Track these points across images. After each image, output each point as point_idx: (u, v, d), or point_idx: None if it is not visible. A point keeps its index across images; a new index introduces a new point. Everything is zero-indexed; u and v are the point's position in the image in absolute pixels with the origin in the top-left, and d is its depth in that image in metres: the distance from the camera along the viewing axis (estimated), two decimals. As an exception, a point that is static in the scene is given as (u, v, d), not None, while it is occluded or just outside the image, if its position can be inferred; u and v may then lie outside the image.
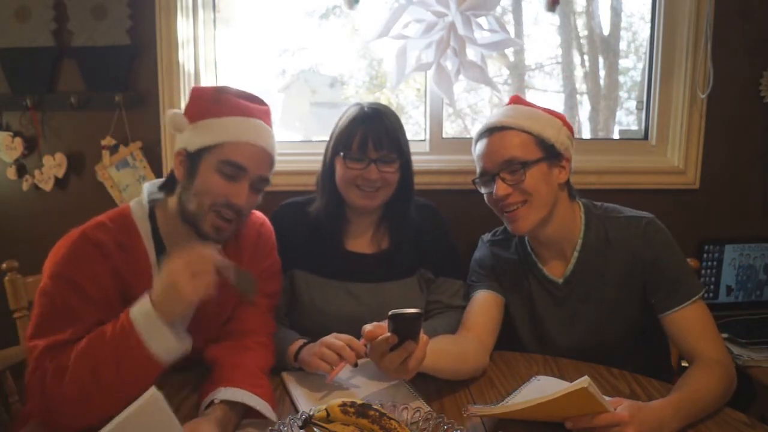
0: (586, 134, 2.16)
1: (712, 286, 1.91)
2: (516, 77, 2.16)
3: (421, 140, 1.99)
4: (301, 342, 1.22)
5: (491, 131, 1.28)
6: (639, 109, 2.06)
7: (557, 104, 2.16)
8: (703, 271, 1.90)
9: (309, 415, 0.86)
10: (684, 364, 1.25)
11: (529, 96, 2.14)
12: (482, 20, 1.77)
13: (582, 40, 2.17)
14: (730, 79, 1.87)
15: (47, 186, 1.89)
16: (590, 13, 2.16)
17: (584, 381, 0.86)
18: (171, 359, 0.97)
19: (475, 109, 2.19)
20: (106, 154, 1.85)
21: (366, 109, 1.33)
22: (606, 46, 2.15)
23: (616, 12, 2.13)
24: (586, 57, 2.18)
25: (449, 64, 1.78)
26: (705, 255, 1.90)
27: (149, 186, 1.20)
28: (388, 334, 0.93)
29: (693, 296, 1.19)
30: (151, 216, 1.15)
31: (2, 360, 1.37)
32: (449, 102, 1.88)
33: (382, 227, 1.43)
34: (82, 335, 0.99)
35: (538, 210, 1.25)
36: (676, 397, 1.00)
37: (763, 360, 1.63)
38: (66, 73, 1.87)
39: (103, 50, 1.82)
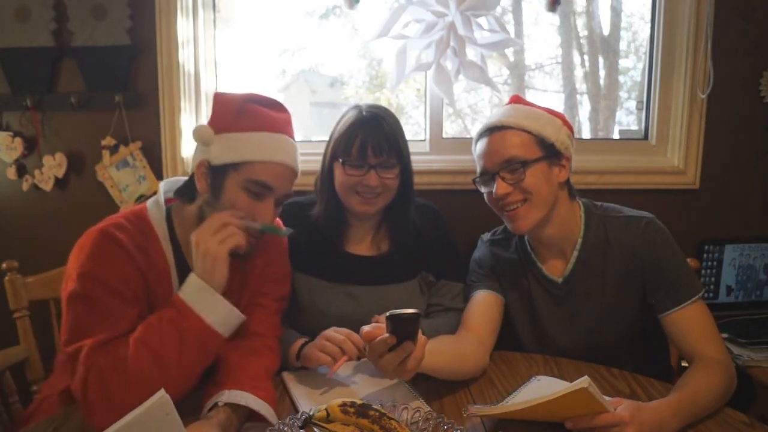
0: (586, 134, 2.16)
1: (712, 286, 1.91)
2: (516, 77, 2.16)
3: (421, 140, 1.99)
4: (302, 341, 1.22)
5: (491, 131, 1.28)
6: (639, 109, 2.06)
7: (557, 104, 2.16)
8: (703, 271, 1.90)
9: (309, 415, 0.86)
10: (684, 364, 1.25)
11: (529, 96, 2.14)
12: (482, 20, 1.77)
13: (582, 40, 2.17)
14: (730, 79, 1.87)
15: (47, 186, 1.89)
16: (590, 13, 2.16)
17: (584, 381, 0.86)
18: (229, 329, 1.03)
19: (475, 109, 2.19)
20: (106, 154, 1.85)
21: (365, 113, 1.31)
22: (606, 46, 2.15)
23: (616, 12, 2.13)
24: (586, 57, 2.18)
25: (449, 64, 1.78)
26: (705, 255, 1.90)
27: (165, 185, 1.19)
28: (387, 335, 0.93)
29: (693, 296, 1.19)
30: (168, 218, 1.15)
31: (2, 360, 1.37)
32: (449, 102, 1.88)
33: (382, 230, 1.42)
34: (124, 332, 1.00)
35: (538, 209, 1.25)
36: (676, 397, 1.00)
37: (763, 360, 1.62)
38: (66, 73, 1.87)
39: (103, 50, 1.82)
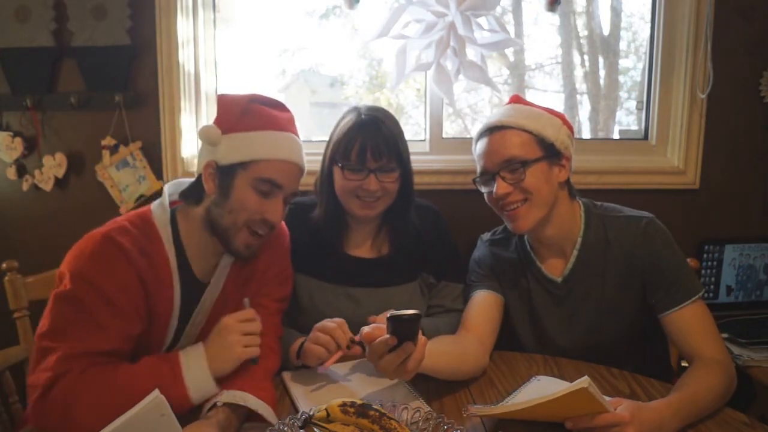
0: (586, 134, 2.16)
1: (712, 286, 1.91)
2: (516, 77, 2.16)
3: (421, 140, 1.99)
4: (301, 340, 1.22)
5: (491, 131, 1.28)
6: (639, 109, 2.06)
7: (557, 104, 2.16)
8: (703, 271, 1.90)
9: (309, 415, 0.86)
10: (684, 364, 1.25)
11: (529, 96, 2.14)
12: (482, 20, 1.77)
13: (582, 40, 2.17)
14: (730, 79, 1.87)
15: (47, 186, 1.89)
16: (590, 13, 2.16)
17: (584, 381, 0.86)
18: (199, 401, 1.00)
19: (475, 109, 2.19)
20: (106, 154, 1.85)
21: (363, 115, 1.30)
22: (606, 46, 2.15)
23: (616, 12, 2.13)
24: (586, 57, 2.18)
25: (449, 64, 1.78)
26: (705, 255, 1.90)
27: (170, 187, 1.19)
28: (387, 336, 0.93)
29: (693, 296, 1.19)
30: (173, 220, 1.14)
31: (2, 360, 1.37)
32: (449, 102, 1.88)
33: (383, 233, 1.42)
34: (105, 347, 0.99)
35: (538, 209, 1.25)
36: (676, 397, 1.00)
37: (763, 360, 1.62)
38: (66, 73, 1.87)
39: (103, 50, 1.82)
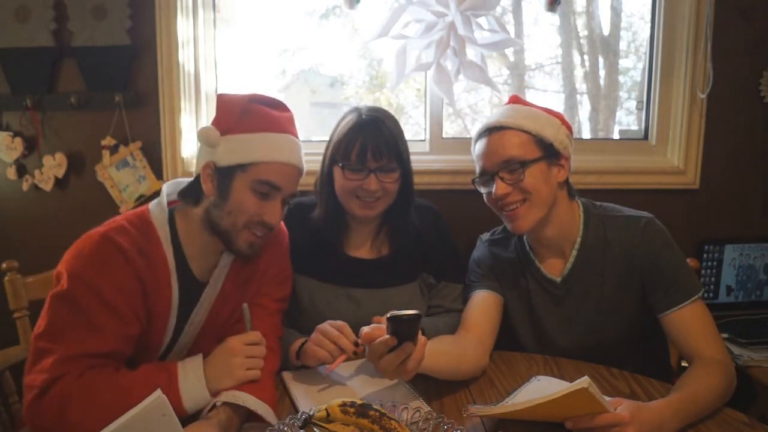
0: (586, 134, 2.16)
1: (712, 286, 1.91)
2: (516, 77, 2.16)
3: (421, 140, 1.99)
4: (301, 340, 1.22)
5: (490, 131, 1.28)
6: (639, 109, 2.06)
7: (557, 104, 2.16)
8: (703, 271, 1.90)
9: (309, 415, 0.86)
10: (684, 364, 1.25)
11: (529, 96, 2.14)
12: (482, 20, 1.77)
13: (582, 40, 2.17)
14: (730, 79, 1.87)
15: (47, 186, 1.89)
16: (590, 13, 2.16)
17: (584, 381, 0.86)
18: (193, 412, 1.00)
19: (475, 109, 2.19)
20: (106, 154, 1.85)
21: (364, 116, 1.30)
22: (606, 46, 2.15)
23: (616, 12, 2.13)
24: (586, 57, 2.18)
25: (449, 64, 1.78)
26: (705, 255, 1.90)
27: (168, 186, 1.19)
28: (387, 336, 0.93)
29: (692, 296, 1.19)
30: (171, 220, 1.14)
31: (2, 360, 1.37)
32: (449, 102, 1.88)
33: (383, 233, 1.42)
34: (102, 349, 0.99)
35: (537, 209, 1.25)
36: (676, 398, 1.01)
37: (763, 360, 1.62)
38: (66, 73, 1.87)
39: (103, 50, 1.82)
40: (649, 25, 1.98)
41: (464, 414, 1.04)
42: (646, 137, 2.01)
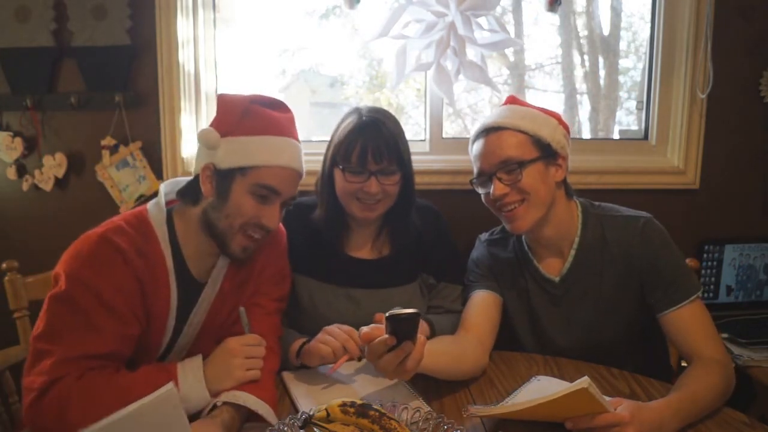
0: (586, 134, 2.16)
1: (712, 286, 1.91)
2: (516, 77, 2.16)
3: (421, 140, 1.99)
4: (301, 341, 1.22)
5: (487, 132, 1.28)
6: (639, 109, 2.06)
7: (557, 104, 2.16)
8: (703, 271, 1.90)
9: (309, 415, 0.86)
10: (684, 364, 1.25)
11: (530, 96, 2.14)
12: (482, 20, 1.77)
13: (582, 40, 2.17)
14: (730, 79, 1.87)
15: (47, 186, 1.89)
16: (590, 13, 2.16)
17: (584, 381, 0.86)
18: (191, 413, 1.00)
19: (475, 109, 2.19)
20: (106, 154, 1.85)
21: (364, 117, 1.29)
22: (606, 46, 2.15)
23: (616, 12, 2.13)
24: (586, 57, 2.18)
25: (449, 64, 1.78)
26: (705, 255, 1.90)
27: (166, 186, 1.19)
28: (386, 335, 0.93)
29: (691, 295, 1.19)
30: (169, 220, 1.14)
31: (2, 360, 1.37)
32: (449, 102, 1.88)
33: (383, 234, 1.42)
34: (101, 350, 0.99)
35: (536, 208, 1.25)
36: (676, 397, 1.01)
37: (763, 360, 1.62)
38: (66, 73, 1.87)
39: (103, 50, 1.82)
40: (649, 25, 1.98)
41: (464, 414, 1.04)
42: (646, 137, 2.01)
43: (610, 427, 0.90)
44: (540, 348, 1.37)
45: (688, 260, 1.29)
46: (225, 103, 1.13)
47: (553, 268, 1.34)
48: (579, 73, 2.18)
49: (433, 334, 1.27)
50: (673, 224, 1.33)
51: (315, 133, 2.12)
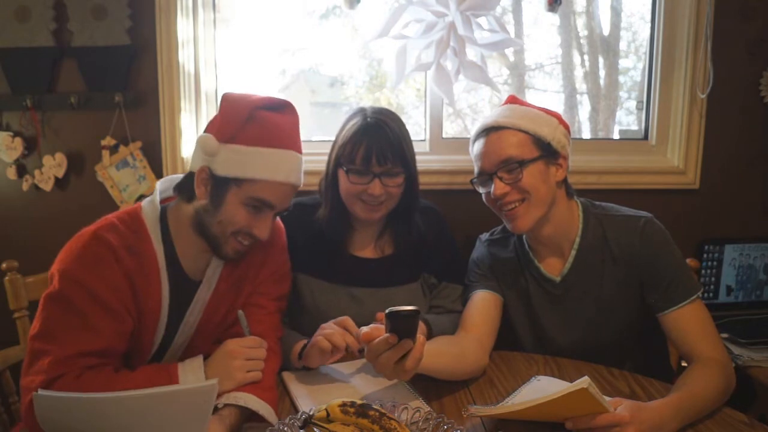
0: (586, 134, 2.16)
1: (712, 286, 1.91)
2: (516, 77, 2.16)
3: (421, 140, 1.99)
4: (303, 342, 1.22)
5: (488, 131, 1.28)
6: (639, 109, 2.06)
7: (557, 104, 2.16)
8: (703, 271, 1.90)
9: (309, 415, 0.86)
10: (684, 364, 1.25)
11: (530, 96, 2.14)
12: (482, 20, 1.77)
13: (582, 40, 2.17)
14: (730, 79, 1.87)
15: (47, 186, 1.89)
16: (590, 13, 2.16)
17: (584, 381, 0.86)
18: None
19: (475, 109, 2.19)
20: (106, 154, 1.85)
21: (369, 119, 1.29)
22: (606, 46, 2.15)
23: (616, 12, 2.13)
24: (586, 57, 2.18)
25: (449, 64, 1.78)
26: (705, 255, 1.90)
27: (162, 184, 1.18)
28: (386, 335, 0.93)
29: (691, 295, 1.19)
30: (163, 217, 1.14)
31: (2, 360, 1.37)
32: (449, 102, 1.88)
33: (386, 234, 1.42)
34: (97, 348, 0.99)
35: (536, 208, 1.25)
36: (676, 397, 1.01)
37: (763, 360, 1.62)
38: (66, 73, 1.87)
39: (103, 50, 1.82)
40: (649, 25, 1.98)
41: (464, 414, 1.04)
42: (646, 137, 2.01)
43: (610, 427, 0.90)
44: (540, 348, 1.37)
45: (688, 260, 1.29)
46: (230, 105, 1.11)
47: (553, 268, 1.34)
48: (579, 73, 2.18)
49: (430, 335, 1.27)
50: (673, 224, 1.33)
51: (315, 133, 2.12)
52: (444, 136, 1.98)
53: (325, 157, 1.39)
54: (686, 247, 1.36)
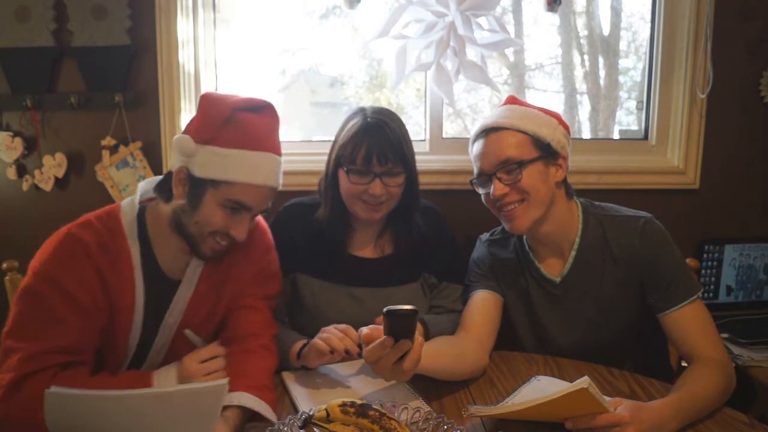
0: (586, 134, 2.16)
1: (712, 286, 1.91)
2: (516, 77, 2.16)
3: (421, 140, 1.99)
4: (302, 342, 1.22)
5: (487, 132, 1.28)
6: (639, 109, 2.06)
7: (557, 104, 2.16)
8: (703, 271, 1.90)
9: (309, 415, 0.86)
10: (684, 364, 1.25)
11: (530, 96, 2.14)
12: (482, 20, 1.77)
13: (582, 40, 2.17)
14: (730, 79, 1.87)
15: (47, 186, 1.89)
16: (590, 13, 2.16)
17: (584, 381, 0.86)
18: None
19: (475, 109, 2.19)
20: (106, 154, 1.85)
21: (369, 119, 1.29)
22: (606, 46, 2.15)
23: (616, 12, 2.13)
24: (586, 57, 2.18)
25: (449, 64, 1.78)
26: (705, 255, 1.90)
27: (144, 185, 1.19)
28: (384, 337, 0.92)
29: (691, 295, 1.19)
30: (141, 216, 1.14)
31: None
32: (449, 102, 1.88)
33: (386, 233, 1.42)
34: (66, 343, 0.99)
35: (536, 208, 1.25)
36: (676, 397, 1.01)
37: (763, 360, 1.62)
38: (66, 73, 1.87)
39: (103, 50, 1.82)
40: (649, 25, 1.98)
41: (464, 414, 1.04)
42: (646, 137, 2.01)
43: (610, 427, 0.90)
44: (540, 348, 1.37)
45: (688, 260, 1.29)
46: (209, 105, 1.10)
47: (553, 268, 1.34)
48: (579, 73, 2.18)
49: (428, 336, 1.27)
50: (673, 224, 1.33)
51: (315, 133, 2.12)
52: (444, 136, 1.98)
53: (325, 157, 1.38)
54: (686, 247, 1.36)
